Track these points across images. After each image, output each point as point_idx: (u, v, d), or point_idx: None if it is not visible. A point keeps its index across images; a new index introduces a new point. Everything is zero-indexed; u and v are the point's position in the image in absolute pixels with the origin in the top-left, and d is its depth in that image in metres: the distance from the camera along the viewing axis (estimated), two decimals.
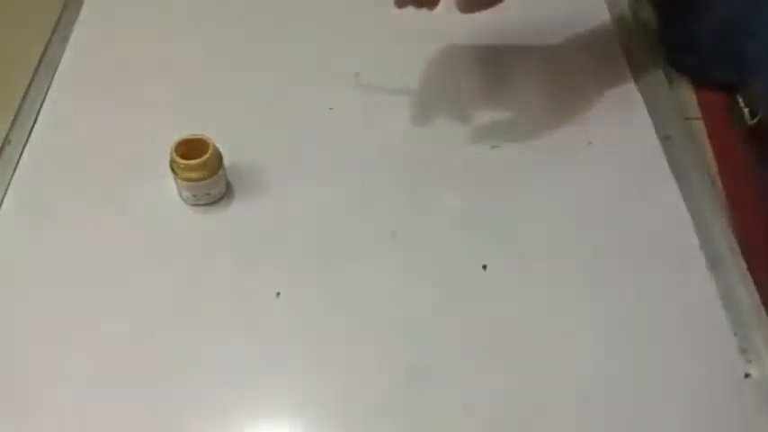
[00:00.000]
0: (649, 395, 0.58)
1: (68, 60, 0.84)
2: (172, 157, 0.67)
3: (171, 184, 0.69)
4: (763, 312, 0.63)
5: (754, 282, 0.65)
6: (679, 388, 0.59)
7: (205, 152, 0.66)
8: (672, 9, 0.85)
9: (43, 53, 0.84)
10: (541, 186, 0.72)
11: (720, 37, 0.79)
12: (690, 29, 0.82)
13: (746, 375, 0.59)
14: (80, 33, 0.87)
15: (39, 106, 0.78)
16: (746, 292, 0.64)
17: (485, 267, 0.66)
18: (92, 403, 0.57)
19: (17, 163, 0.73)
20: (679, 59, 0.84)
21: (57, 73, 0.82)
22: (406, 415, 0.57)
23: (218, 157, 0.68)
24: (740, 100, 0.82)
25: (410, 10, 0.71)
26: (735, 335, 0.62)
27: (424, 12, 0.71)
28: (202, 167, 0.66)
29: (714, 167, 0.77)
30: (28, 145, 0.75)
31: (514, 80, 0.82)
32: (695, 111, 0.83)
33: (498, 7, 0.72)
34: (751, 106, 0.80)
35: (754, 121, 0.79)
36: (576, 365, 0.60)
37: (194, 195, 0.69)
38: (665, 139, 0.77)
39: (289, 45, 0.85)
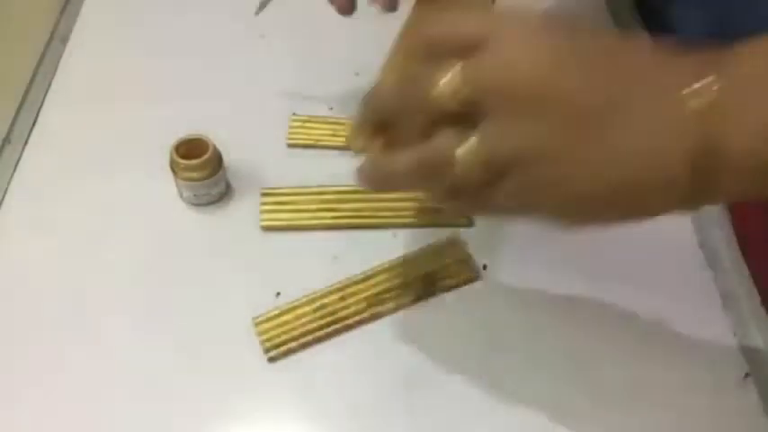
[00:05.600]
0: (649, 394, 0.58)
1: (68, 60, 0.84)
2: (172, 157, 0.67)
3: (171, 183, 0.69)
4: (763, 312, 0.63)
5: (754, 282, 0.65)
6: (679, 388, 0.59)
7: (205, 152, 0.66)
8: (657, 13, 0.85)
9: (43, 53, 0.84)
10: None
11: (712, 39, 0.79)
12: (677, 33, 0.82)
13: (746, 375, 0.59)
14: (80, 33, 0.87)
15: (39, 106, 0.79)
16: (746, 292, 0.64)
17: (485, 267, 0.66)
18: (90, 403, 0.57)
19: (17, 163, 0.73)
20: None
21: (57, 73, 0.82)
22: (405, 415, 0.57)
23: (218, 157, 0.68)
24: None
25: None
26: (735, 335, 0.62)
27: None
28: (202, 167, 0.67)
29: None
30: (28, 145, 0.75)
31: None
32: None
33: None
34: None
35: None
36: (575, 365, 0.60)
37: (194, 195, 0.69)
38: None
39: (289, 45, 0.86)
